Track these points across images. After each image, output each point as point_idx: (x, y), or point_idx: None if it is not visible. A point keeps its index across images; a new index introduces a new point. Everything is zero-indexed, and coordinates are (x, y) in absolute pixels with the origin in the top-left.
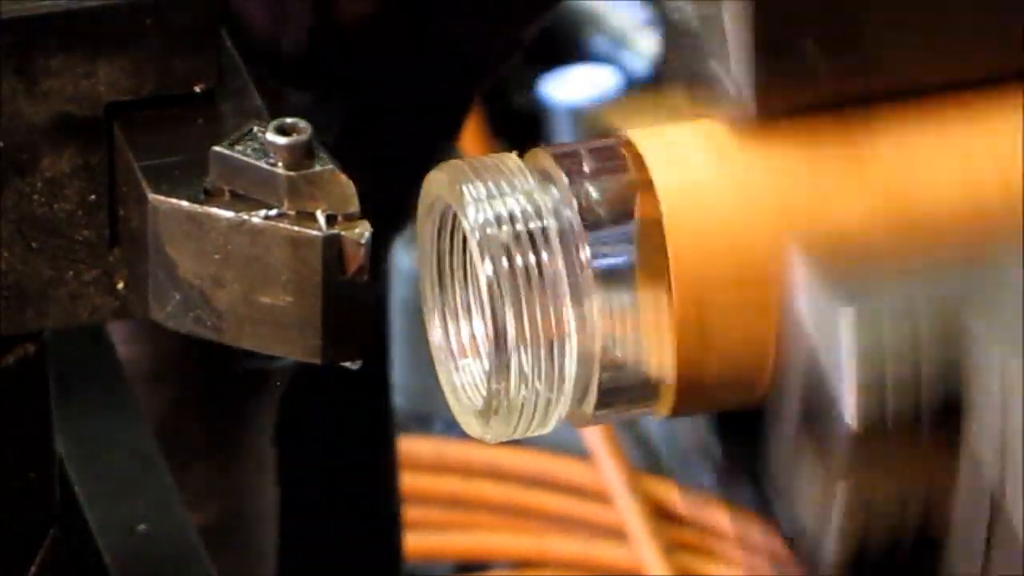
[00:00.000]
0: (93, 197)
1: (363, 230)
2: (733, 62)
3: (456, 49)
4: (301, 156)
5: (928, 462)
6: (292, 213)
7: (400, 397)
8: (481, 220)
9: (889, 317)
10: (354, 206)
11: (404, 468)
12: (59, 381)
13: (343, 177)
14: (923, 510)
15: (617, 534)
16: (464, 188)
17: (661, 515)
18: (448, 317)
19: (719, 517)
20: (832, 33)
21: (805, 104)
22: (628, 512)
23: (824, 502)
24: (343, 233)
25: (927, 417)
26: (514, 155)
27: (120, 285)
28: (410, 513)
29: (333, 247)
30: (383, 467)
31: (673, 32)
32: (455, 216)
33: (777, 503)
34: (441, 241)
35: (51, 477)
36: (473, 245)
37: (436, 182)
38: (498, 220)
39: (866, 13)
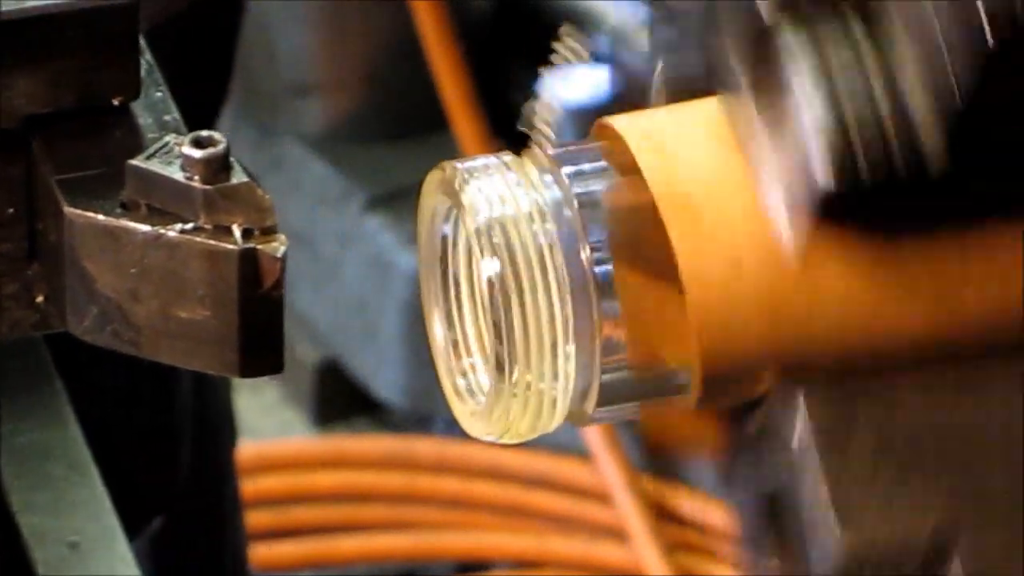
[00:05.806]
0: (12, 210)
1: (279, 244)
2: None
3: None
4: (217, 169)
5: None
6: (208, 227)
7: (400, 397)
8: (482, 220)
9: None
10: (271, 220)
11: (404, 468)
12: None
13: (260, 190)
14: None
15: (617, 534)
16: (465, 188)
17: (661, 515)
18: (449, 317)
19: (719, 517)
20: None
21: None
22: (628, 512)
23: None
24: (259, 247)
25: None
26: (514, 155)
27: (40, 299)
28: (410, 513)
29: (249, 261)
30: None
31: (666, 19)
32: (456, 216)
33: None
34: (442, 240)
35: None
36: (474, 245)
37: (436, 182)
38: (499, 220)
39: None
